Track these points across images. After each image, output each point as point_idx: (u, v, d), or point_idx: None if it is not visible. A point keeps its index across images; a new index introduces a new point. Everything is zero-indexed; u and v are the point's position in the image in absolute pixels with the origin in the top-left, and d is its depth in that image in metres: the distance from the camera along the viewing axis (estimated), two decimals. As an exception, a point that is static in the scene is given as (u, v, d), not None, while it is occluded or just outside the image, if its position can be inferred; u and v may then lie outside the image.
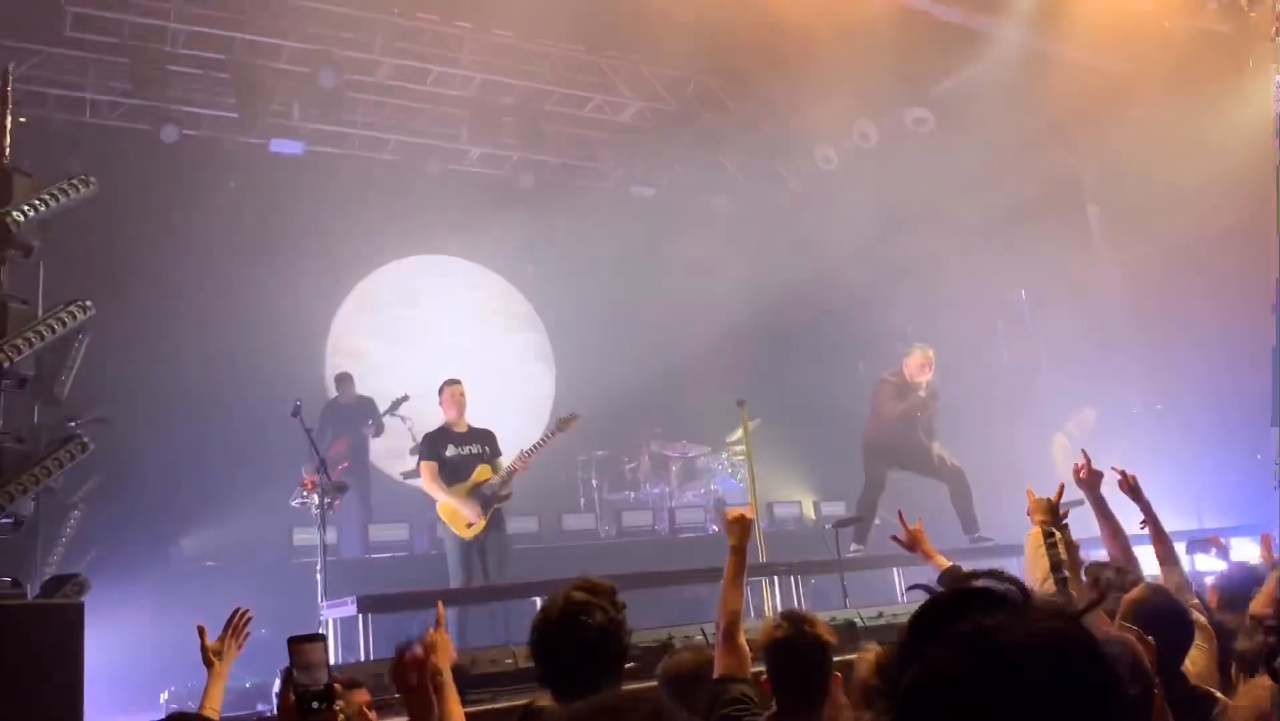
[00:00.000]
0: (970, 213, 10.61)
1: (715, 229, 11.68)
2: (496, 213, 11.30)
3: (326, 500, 6.82)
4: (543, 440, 7.77)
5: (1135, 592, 3.28)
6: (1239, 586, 4.25)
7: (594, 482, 10.59)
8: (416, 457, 7.61)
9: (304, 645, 1.84)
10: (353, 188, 10.66)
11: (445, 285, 11.92)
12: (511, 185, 11.31)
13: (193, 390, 9.12)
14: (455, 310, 11.90)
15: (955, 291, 10.41)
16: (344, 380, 9.78)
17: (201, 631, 3.07)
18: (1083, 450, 4.48)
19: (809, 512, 10.72)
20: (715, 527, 10.36)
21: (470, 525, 7.21)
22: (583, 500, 10.58)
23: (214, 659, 3.05)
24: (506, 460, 7.59)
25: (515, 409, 11.87)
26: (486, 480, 7.33)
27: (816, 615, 3.01)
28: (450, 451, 7.39)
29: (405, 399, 8.39)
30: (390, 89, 10.39)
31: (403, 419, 8.39)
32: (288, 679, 1.83)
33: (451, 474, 7.32)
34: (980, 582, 1.18)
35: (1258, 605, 3.44)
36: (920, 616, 1.16)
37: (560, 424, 7.81)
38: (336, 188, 10.53)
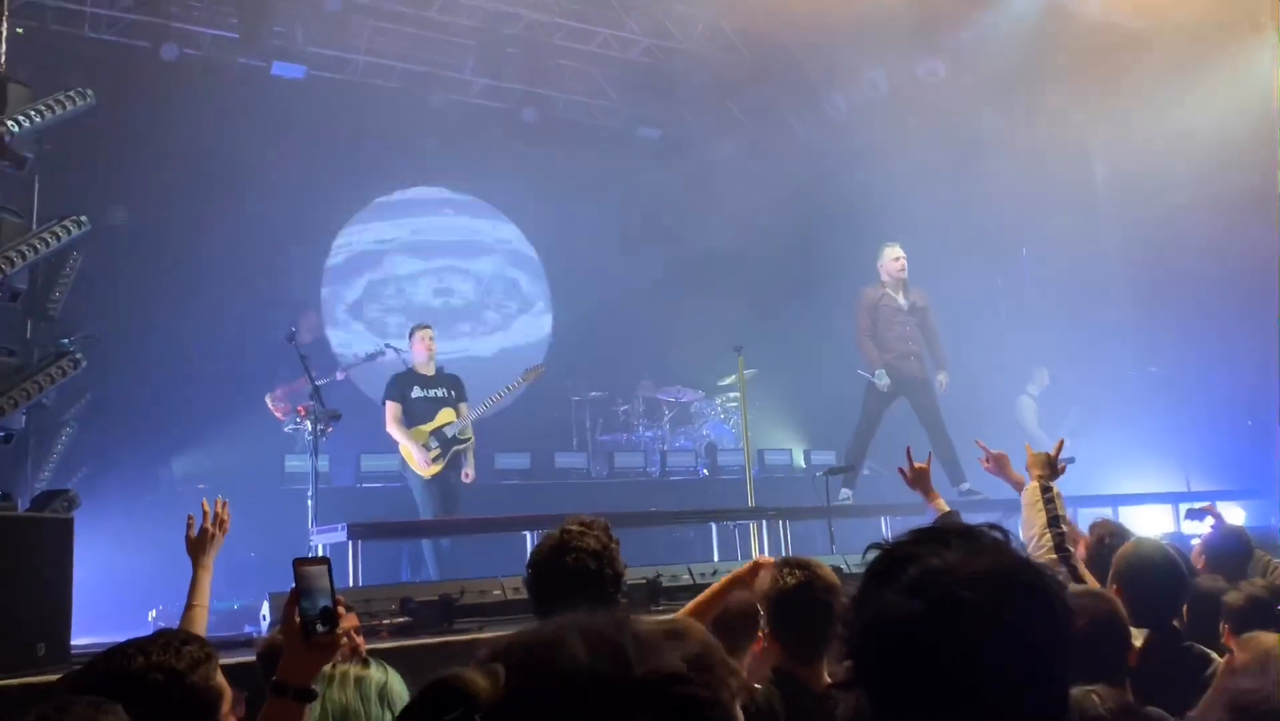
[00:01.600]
0: (976, 167, 10.52)
1: (720, 174, 11.56)
2: (499, 147, 11.17)
3: (319, 427, 6.83)
4: (507, 388, 8.21)
5: (1126, 547, 3.29)
6: (1226, 550, 4.29)
7: (587, 423, 10.61)
8: (383, 396, 7.83)
9: (309, 568, 1.83)
10: (354, 115, 10.50)
11: (444, 218, 11.83)
12: (515, 119, 11.16)
13: (187, 312, 9.06)
14: (453, 244, 11.82)
15: (957, 246, 10.34)
16: (308, 317, 9.74)
17: (190, 522, 3.11)
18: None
19: (799, 461, 10.77)
20: (706, 471, 10.42)
21: (430, 463, 7.57)
22: (575, 440, 10.61)
23: (198, 550, 3.09)
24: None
25: (510, 347, 11.87)
26: (449, 423, 7.67)
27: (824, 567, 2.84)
28: (416, 393, 7.72)
29: (382, 352, 8.49)
30: (395, 15, 10.20)
31: (397, 350, 8.38)
32: (293, 601, 1.82)
33: (417, 415, 7.65)
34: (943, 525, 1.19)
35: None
36: (874, 563, 1.19)
37: (526, 374, 8.27)
38: (337, 114, 10.38)
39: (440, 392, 7.78)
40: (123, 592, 6.68)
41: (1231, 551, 4.22)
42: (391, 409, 7.63)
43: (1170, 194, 10.37)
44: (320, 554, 5.35)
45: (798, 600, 2.66)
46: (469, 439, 7.79)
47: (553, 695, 0.86)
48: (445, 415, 7.71)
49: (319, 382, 7.19)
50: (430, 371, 7.85)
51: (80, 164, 8.02)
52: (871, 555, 1.21)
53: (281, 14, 9.82)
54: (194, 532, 3.13)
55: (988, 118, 10.61)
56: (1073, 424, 10.07)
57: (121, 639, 1.98)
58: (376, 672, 2.71)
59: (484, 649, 0.94)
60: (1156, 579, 3.01)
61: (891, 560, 1.16)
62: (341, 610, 1.84)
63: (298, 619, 1.79)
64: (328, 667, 2.45)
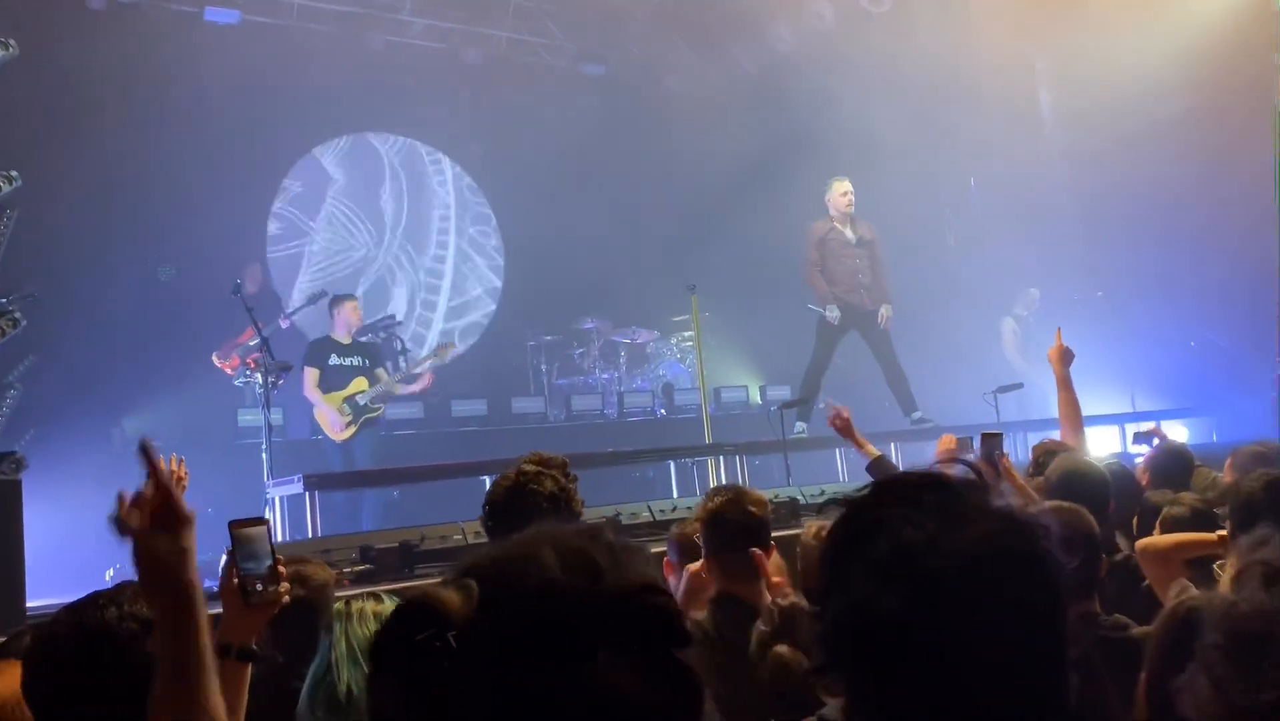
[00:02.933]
0: (924, 97, 10.52)
1: (667, 109, 11.47)
2: (442, 89, 10.97)
3: (270, 379, 6.77)
4: (418, 363, 8.49)
5: (1054, 464, 3.38)
6: (1169, 467, 4.41)
7: (543, 367, 10.59)
8: (302, 361, 7.96)
9: (245, 528, 1.80)
10: (291, 60, 10.23)
11: (389, 164, 11.64)
12: (457, 60, 10.96)
13: (130, 269, 8.88)
14: (399, 190, 11.65)
15: (906, 176, 10.39)
16: (251, 270, 9.62)
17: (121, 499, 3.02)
18: (1058, 329, 4.60)
19: (755, 397, 10.85)
20: (663, 412, 10.48)
21: (343, 429, 7.78)
22: (532, 385, 10.60)
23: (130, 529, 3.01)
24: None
25: (463, 290, 11.79)
26: (361, 391, 7.88)
27: (754, 490, 3.01)
28: (333, 361, 7.92)
29: (324, 293, 8.56)
30: (330, -45, 9.93)
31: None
32: (230, 563, 1.79)
33: (332, 382, 7.86)
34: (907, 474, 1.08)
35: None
36: (838, 528, 1.07)
37: (437, 351, 8.51)
38: (274, 60, 10.10)
39: (355, 361, 7.99)
40: (79, 553, 6.60)
41: (1174, 467, 4.34)
42: (310, 374, 7.83)
43: (1115, 121, 10.46)
44: (263, 514, 5.34)
45: (723, 521, 2.76)
46: (379, 409, 8.04)
47: (526, 608, 0.85)
48: (358, 384, 7.92)
49: (265, 333, 7.11)
50: (347, 340, 8.06)
51: (5, 116, 7.77)
52: (832, 514, 1.09)
53: (212, -43, 9.52)
54: (124, 510, 3.06)
55: (933, 47, 10.59)
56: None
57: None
58: (391, 606, 2.74)
59: (458, 563, 0.94)
60: (1083, 491, 3.07)
61: (859, 527, 1.04)
62: (282, 569, 1.83)
63: (235, 580, 1.78)
64: (341, 604, 2.49)
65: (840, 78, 10.30)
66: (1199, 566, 2.91)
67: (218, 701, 1.37)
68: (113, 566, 5.78)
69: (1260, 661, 1.26)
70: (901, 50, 10.43)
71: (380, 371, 8.05)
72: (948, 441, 4.39)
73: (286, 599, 1.84)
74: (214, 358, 8.44)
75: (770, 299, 10.76)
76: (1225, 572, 2.53)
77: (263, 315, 8.31)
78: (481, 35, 10.99)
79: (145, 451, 1.43)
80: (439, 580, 0.94)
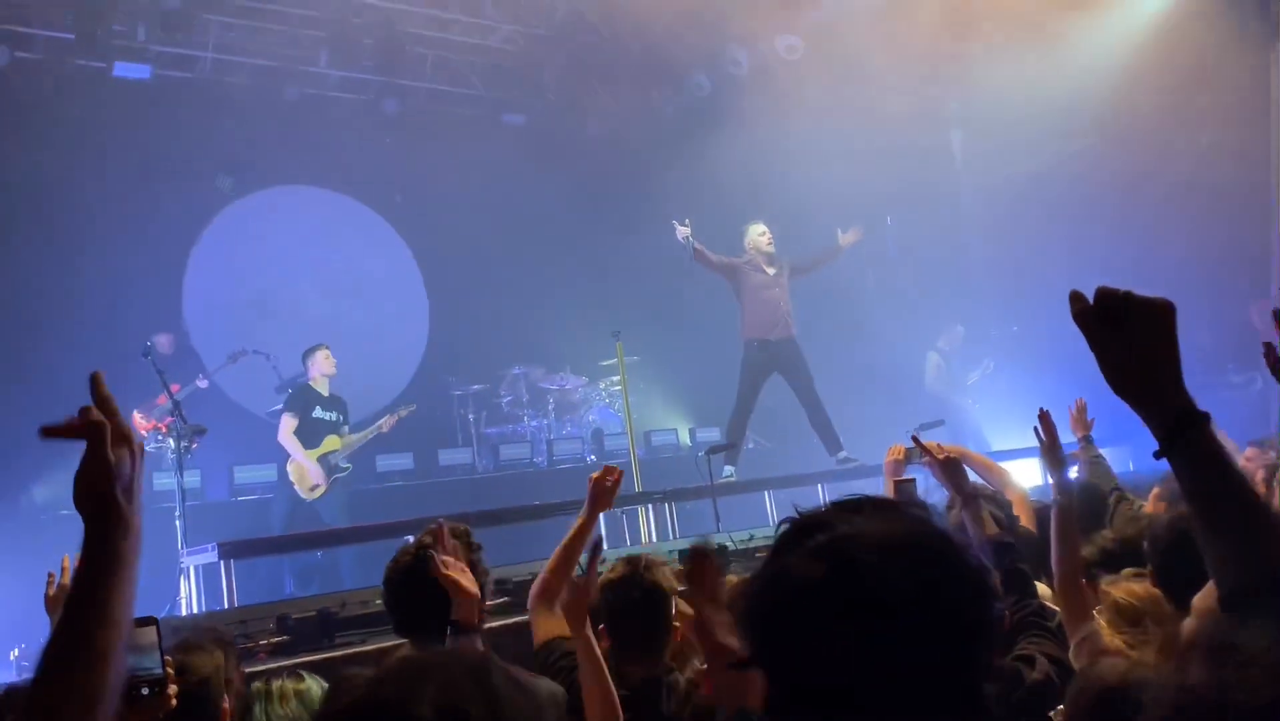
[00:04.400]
0: (838, 139, 10.73)
1: (588, 157, 11.53)
2: (361, 140, 10.90)
3: (184, 443, 6.59)
4: (381, 425, 8.31)
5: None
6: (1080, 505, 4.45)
7: (470, 417, 10.49)
8: (282, 406, 7.67)
9: (135, 626, 1.74)
10: (207, 114, 10.10)
11: (308, 216, 11.48)
12: (376, 110, 10.90)
13: (38, 330, 8.61)
14: (319, 243, 11.50)
15: (824, 217, 10.55)
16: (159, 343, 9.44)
17: (50, 579, 2.96)
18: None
19: (685, 439, 10.87)
20: (593, 457, 10.43)
21: (314, 488, 7.61)
22: (459, 435, 10.49)
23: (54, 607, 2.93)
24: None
25: (387, 344, 11.64)
26: (333, 450, 7.76)
27: (662, 559, 2.91)
28: (317, 413, 7.77)
29: (244, 352, 8.38)
30: (243, 10, 9.82)
31: (266, 356, 8.18)
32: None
33: (309, 436, 7.67)
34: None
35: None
36: (782, 534, 1.16)
37: (400, 411, 8.44)
38: (188, 115, 9.96)
39: (334, 416, 7.88)
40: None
41: (1084, 507, 4.38)
42: (289, 421, 7.65)
43: (1023, 159, 10.79)
44: (178, 588, 5.18)
45: (620, 594, 2.71)
46: (349, 467, 7.91)
47: None
48: (331, 442, 7.79)
49: (179, 397, 6.93)
50: (327, 392, 7.94)
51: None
52: (783, 529, 1.17)
53: (121, 13, 9.36)
54: (52, 589, 2.97)
55: (846, 91, 10.83)
56: (981, 376, 10.59)
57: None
58: (312, 684, 2.68)
59: (341, 695, 0.92)
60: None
61: (800, 528, 1.13)
62: (170, 670, 1.78)
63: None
64: (260, 684, 2.53)
65: (757, 122, 10.47)
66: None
67: (127, 614, 1.34)
68: (18, 646, 5.54)
69: None
70: (816, 94, 10.65)
71: (347, 433, 7.95)
72: (895, 452, 4.34)
73: (174, 702, 1.78)
74: (135, 414, 8.19)
75: (696, 340, 10.82)
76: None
77: (181, 374, 8.14)
78: (400, 86, 10.95)
79: (93, 378, 1.42)
80: None
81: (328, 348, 8.11)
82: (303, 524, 7.51)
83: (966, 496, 3.21)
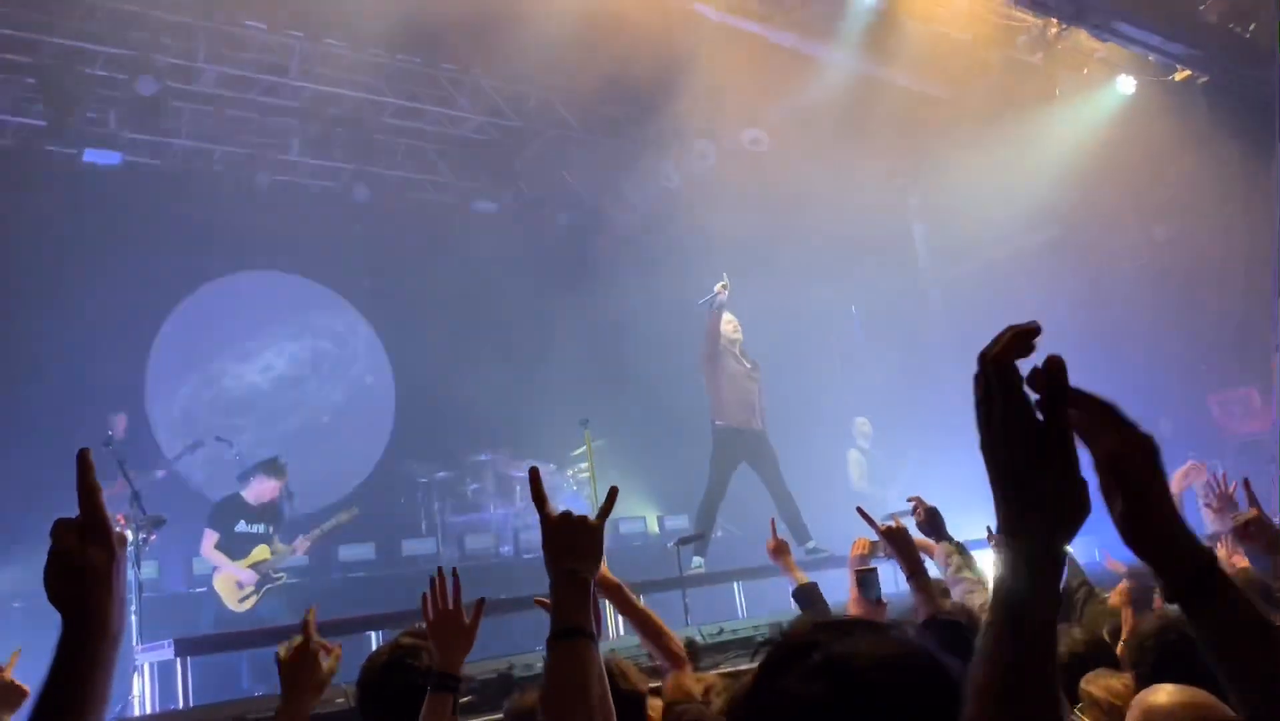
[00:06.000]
0: (805, 231, 10.92)
1: (557, 245, 11.64)
2: (330, 227, 10.94)
3: (142, 535, 6.45)
4: (323, 530, 8.05)
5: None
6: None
7: (435, 505, 10.35)
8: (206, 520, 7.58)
9: None
10: (175, 201, 10.11)
11: (276, 303, 11.45)
12: (346, 198, 10.97)
13: (-2, 413, 8.47)
14: (287, 327, 11.45)
15: (790, 308, 10.68)
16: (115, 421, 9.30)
17: None
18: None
19: (653, 527, 10.77)
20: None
21: (243, 600, 7.38)
22: (424, 523, 10.33)
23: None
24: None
25: (353, 429, 11.53)
26: (264, 560, 7.53)
27: (627, 664, 2.88)
28: (240, 527, 7.53)
29: (202, 444, 8.23)
30: (214, 98, 9.91)
31: (229, 444, 8.05)
32: None
33: (233, 550, 7.45)
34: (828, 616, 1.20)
35: None
36: (770, 655, 1.17)
37: (344, 516, 8.16)
38: (157, 201, 9.97)
39: (261, 528, 7.64)
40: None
41: None
42: (210, 536, 7.43)
43: (984, 249, 11.01)
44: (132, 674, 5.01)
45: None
46: (281, 577, 7.69)
47: None
48: (260, 552, 7.57)
49: (137, 486, 6.79)
50: (256, 505, 7.72)
51: None
52: (755, 611, 1.20)
53: (93, 100, 9.41)
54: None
55: (812, 183, 11.05)
56: (910, 471, 10.42)
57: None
58: None
59: None
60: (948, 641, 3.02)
61: (791, 650, 1.15)
62: None
63: None
64: None
65: (724, 211, 10.63)
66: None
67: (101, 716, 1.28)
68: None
69: None
70: (781, 186, 10.85)
71: (276, 542, 7.72)
72: (860, 546, 4.32)
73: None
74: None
75: (664, 428, 10.81)
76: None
77: (138, 459, 7.98)
78: (371, 174, 11.04)
79: (81, 461, 1.35)
80: None
81: (284, 477, 7.86)
82: (237, 624, 7.27)
83: (914, 568, 3.21)
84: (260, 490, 7.69)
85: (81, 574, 1.31)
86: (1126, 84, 10.21)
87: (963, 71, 10.09)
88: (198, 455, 8.52)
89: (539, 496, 1.93)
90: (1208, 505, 4.51)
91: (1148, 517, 1.21)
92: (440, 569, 2.52)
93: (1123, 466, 1.20)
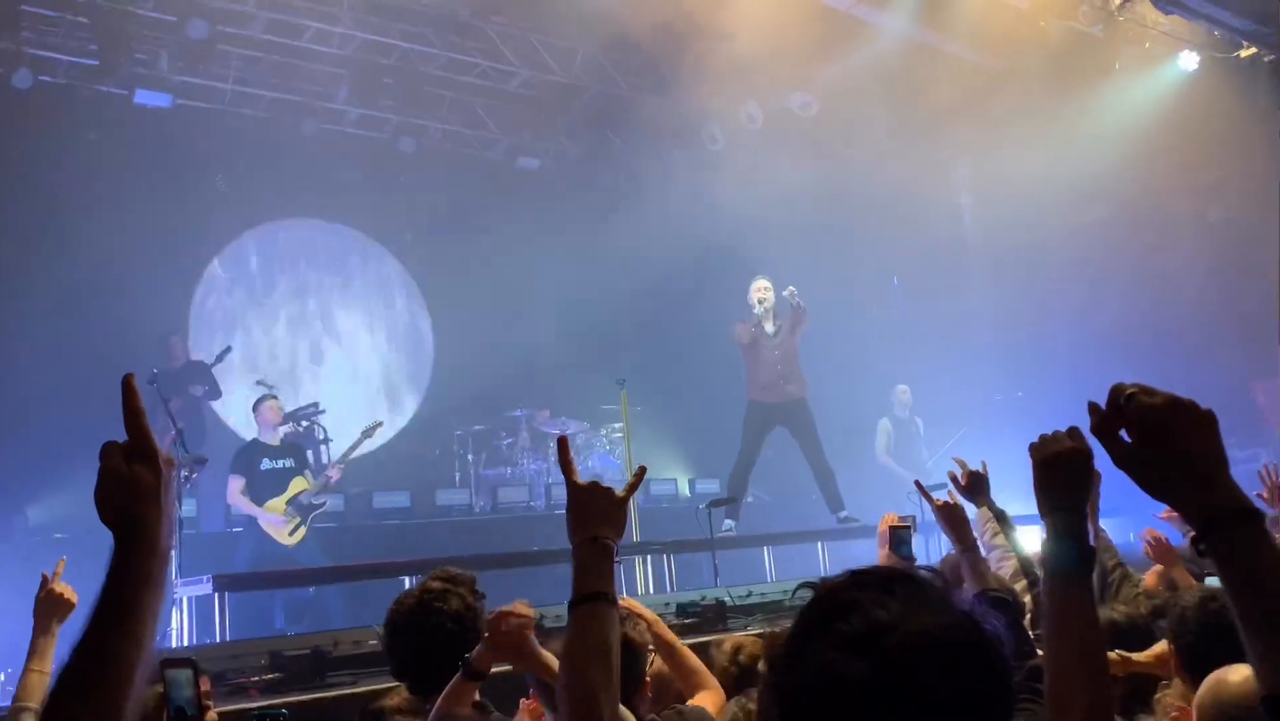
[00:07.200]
0: (849, 198, 10.81)
1: (599, 203, 11.60)
2: (375, 177, 10.97)
3: (184, 473, 6.56)
4: (350, 448, 8.24)
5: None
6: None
7: (470, 457, 10.45)
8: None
9: (173, 671, 1.77)
10: (223, 145, 10.19)
11: (319, 250, 11.54)
12: (391, 149, 10.99)
13: (43, 352, 8.60)
14: (328, 277, 11.54)
15: (831, 274, 10.59)
16: (172, 343, 9.45)
17: (45, 579, 2.91)
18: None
19: (684, 490, 10.81)
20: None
21: (292, 533, 7.52)
22: (458, 475, 10.43)
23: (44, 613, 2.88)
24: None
25: (390, 380, 11.64)
26: (303, 490, 7.66)
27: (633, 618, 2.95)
28: (265, 465, 7.64)
29: (229, 350, 8.42)
30: (265, 44, 9.92)
31: (269, 388, 8.18)
32: (161, 704, 1.75)
33: (269, 488, 7.56)
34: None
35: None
36: (810, 610, 1.14)
37: (366, 431, 8.27)
38: (205, 144, 10.05)
39: (287, 463, 7.76)
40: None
41: None
42: (235, 483, 7.54)
43: (1032, 225, 10.84)
44: (185, 654, 5.12)
45: None
46: (324, 503, 7.86)
47: None
48: (298, 484, 7.68)
49: (174, 410, 6.92)
50: (276, 441, 7.88)
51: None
52: (803, 595, 1.17)
53: (145, 41, 9.47)
54: (43, 592, 2.93)
55: (858, 149, 10.93)
56: (958, 444, 10.27)
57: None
58: None
59: None
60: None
61: (832, 605, 1.11)
62: (211, 714, 1.79)
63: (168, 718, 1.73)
64: None
65: (768, 176, 10.54)
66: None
67: (152, 634, 1.30)
68: (4, 671, 5.47)
69: None
70: (827, 152, 10.74)
71: (308, 475, 7.84)
72: (889, 520, 4.29)
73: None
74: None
75: (699, 391, 10.81)
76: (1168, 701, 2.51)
77: (179, 387, 8.11)
78: (416, 125, 11.04)
79: (126, 386, 1.36)
80: None
81: (275, 398, 8.09)
82: (272, 564, 7.40)
83: (967, 544, 3.19)
84: (265, 421, 7.86)
85: (130, 492, 1.33)
86: (1189, 60, 9.96)
87: (1020, 42, 9.89)
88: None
89: (567, 464, 1.91)
90: (1259, 496, 4.45)
91: (1179, 470, 1.31)
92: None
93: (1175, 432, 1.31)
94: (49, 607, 2.87)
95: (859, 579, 1.14)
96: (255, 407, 7.97)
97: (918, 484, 3.70)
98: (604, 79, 11.21)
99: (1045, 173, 10.26)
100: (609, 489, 1.90)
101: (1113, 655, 3.04)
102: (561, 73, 10.98)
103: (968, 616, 1.12)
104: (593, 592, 1.77)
